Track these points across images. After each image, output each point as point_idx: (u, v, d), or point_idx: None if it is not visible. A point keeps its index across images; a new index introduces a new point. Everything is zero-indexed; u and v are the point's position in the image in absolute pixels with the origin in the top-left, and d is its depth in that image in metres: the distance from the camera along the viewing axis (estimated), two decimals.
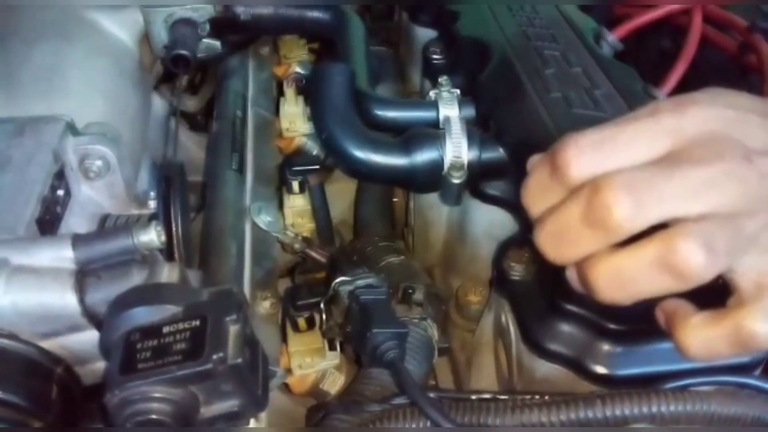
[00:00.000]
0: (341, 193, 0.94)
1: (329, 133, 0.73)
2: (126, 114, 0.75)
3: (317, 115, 0.77)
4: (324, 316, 0.68)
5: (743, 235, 0.41)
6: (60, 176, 0.58)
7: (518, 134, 0.70)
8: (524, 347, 0.60)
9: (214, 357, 0.40)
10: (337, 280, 0.65)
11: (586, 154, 0.43)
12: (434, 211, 0.81)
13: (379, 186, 0.93)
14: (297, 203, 0.86)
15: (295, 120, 0.89)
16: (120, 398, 0.39)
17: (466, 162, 0.69)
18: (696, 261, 0.40)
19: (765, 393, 0.52)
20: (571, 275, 0.46)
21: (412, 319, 0.66)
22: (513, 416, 0.52)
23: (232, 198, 0.78)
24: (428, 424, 0.52)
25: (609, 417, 0.49)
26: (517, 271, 0.63)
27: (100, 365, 0.49)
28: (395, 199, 0.95)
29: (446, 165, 0.69)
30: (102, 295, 0.47)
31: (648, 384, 0.52)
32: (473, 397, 0.55)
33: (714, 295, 0.44)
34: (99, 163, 0.61)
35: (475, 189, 0.72)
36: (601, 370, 0.55)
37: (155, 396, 0.40)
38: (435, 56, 0.88)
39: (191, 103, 1.06)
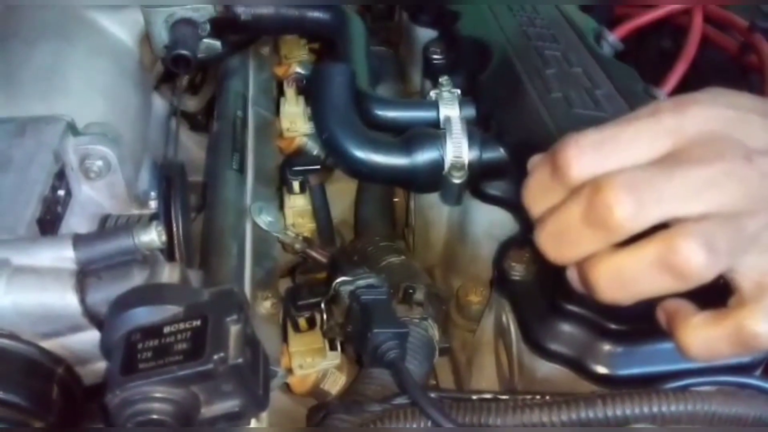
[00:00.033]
0: (342, 193, 0.94)
1: (330, 133, 0.73)
2: (126, 114, 0.75)
3: (318, 115, 0.77)
4: (325, 316, 0.68)
5: (744, 234, 0.41)
6: (61, 176, 0.58)
7: (519, 134, 0.70)
8: (525, 347, 0.60)
9: (215, 357, 0.40)
10: (338, 280, 0.65)
11: (587, 154, 0.43)
12: (435, 211, 0.81)
13: (379, 186, 0.93)
14: (297, 203, 0.86)
15: (295, 120, 0.89)
16: (121, 398, 0.39)
17: (466, 162, 0.69)
18: (697, 261, 0.40)
19: (766, 393, 0.52)
20: (572, 275, 0.46)
21: (412, 319, 0.66)
22: (514, 416, 0.52)
23: (233, 198, 0.78)
24: (429, 424, 0.52)
25: (610, 417, 0.49)
26: (517, 271, 0.63)
27: (101, 365, 0.49)
28: (396, 199, 0.95)
29: (447, 165, 0.69)
30: (103, 295, 0.47)
31: (649, 384, 0.52)
32: (474, 397, 0.55)
33: (715, 295, 0.44)
34: (100, 163, 0.61)
35: (476, 189, 0.72)
36: (601, 370, 0.55)
37: (156, 396, 0.40)
38: (435, 56, 0.88)
39: (192, 103, 1.06)
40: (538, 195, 0.46)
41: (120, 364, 0.41)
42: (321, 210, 0.86)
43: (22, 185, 0.54)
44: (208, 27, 0.85)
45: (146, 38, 0.84)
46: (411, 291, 0.68)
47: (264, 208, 0.77)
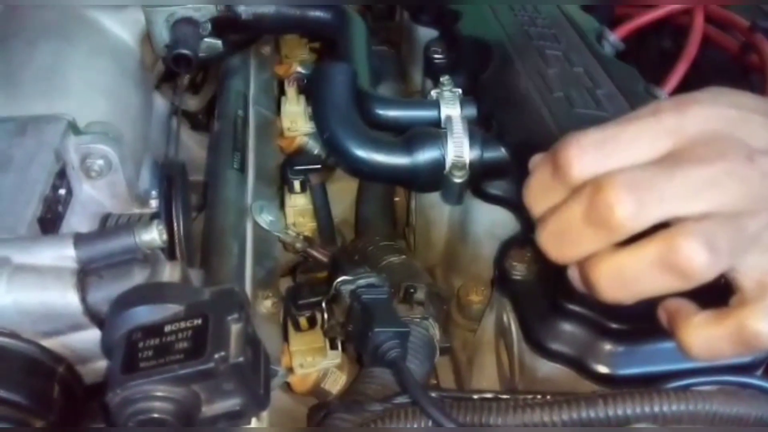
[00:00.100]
0: (343, 193, 0.94)
1: (331, 132, 0.73)
2: (127, 113, 0.75)
3: (319, 115, 0.77)
4: (325, 316, 0.68)
5: (745, 234, 0.41)
6: (61, 175, 0.58)
7: (520, 134, 0.70)
8: (526, 347, 0.60)
9: (216, 356, 0.40)
10: (339, 279, 0.65)
11: (588, 154, 0.43)
12: (436, 210, 0.81)
13: (380, 185, 0.93)
14: (298, 202, 0.86)
15: (296, 119, 0.89)
16: (122, 397, 0.39)
17: (467, 161, 0.69)
18: (698, 260, 0.40)
19: (767, 393, 0.52)
20: (573, 275, 0.46)
21: (413, 318, 0.66)
22: (515, 416, 0.52)
23: (234, 197, 0.78)
24: (430, 423, 0.52)
25: (611, 416, 0.49)
26: (518, 270, 0.63)
27: (102, 364, 0.50)
28: (397, 199, 0.95)
29: (448, 164, 0.69)
30: (104, 294, 0.47)
31: (650, 383, 0.52)
32: (475, 396, 0.55)
33: (716, 294, 0.44)
34: (100, 162, 0.61)
35: (477, 188, 0.72)
36: (602, 369, 0.55)
37: (157, 395, 0.40)
38: (436, 56, 0.88)
39: (193, 103, 1.06)
40: (539, 194, 0.46)
41: (121, 362, 0.41)
42: (322, 209, 0.86)
43: (22, 184, 0.54)
44: (209, 26, 0.85)
45: (147, 38, 0.84)
46: (412, 290, 0.68)
47: (265, 207, 0.77)
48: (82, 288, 0.47)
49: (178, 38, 0.82)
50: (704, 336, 0.44)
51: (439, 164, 0.70)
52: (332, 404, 0.58)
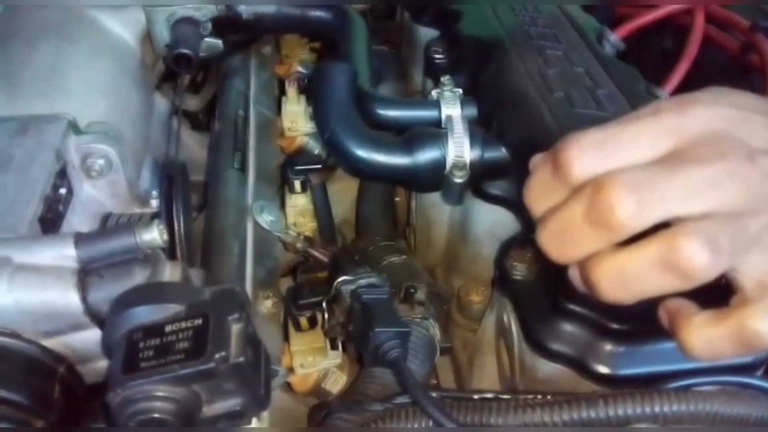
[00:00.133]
0: (343, 193, 0.94)
1: (331, 132, 0.73)
2: (128, 113, 0.75)
3: (319, 115, 0.77)
4: (326, 316, 0.68)
5: (746, 234, 0.41)
6: (62, 175, 0.58)
7: (520, 134, 0.70)
8: (526, 347, 0.60)
9: (217, 356, 0.40)
10: (339, 279, 0.65)
11: (589, 154, 0.43)
12: (436, 210, 0.81)
13: (381, 185, 0.93)
14: (299, 202, 0.86)
15: (297, 119, 0.89)
16: (122, 397, 0.39)
17: (468, 161, 0.69)
18: (699, 260, 0.39)
19: (767, 393, 0.52)
20: (574, 275, 0.46)
21: (414, 318, 0.66)
22: (515, 416, 0.52)
23: (234, 197, 0.78)
24: (430, 423, 0.52)
25: (611, 417, 0.49)
26: (519, 270, 0.63)
27: (103, 364, 0.50)
28: (397, 199, 0.95)
29: (448, 164, 0.69)
30: (104, 293, 0.47)
31: (650, 384, 0.52)
32: (475, 396, 0.55)
33: (717, 294, 0.44)
34: (101, 161, 0.61)
35: (478, 188, 0.72)
36: (603, 369, 0.55)
37: (157, 395, 0.40)
38: (437, 56, 0.88)
39: (193, 102, 1.06)
40: (539, 194, 0.46)
41: (121, 362, 0.41)
42: (322, 209, 0.86)
43: (23, 184, 0.54)
44: (209, 26, 0.85)
45: (148, 37, 0.84)
46: (412, 290, 0.68)
47: (265, 207, 0.77)
48: (83, 288, 0.47)
49: (179, 38, 0.82)
50: (705, 336, 0.44)
51: (440, 164, 0.70)
52: (333, 404, 0.58)
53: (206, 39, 0.85)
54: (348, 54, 0.86)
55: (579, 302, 0.56)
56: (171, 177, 0.67)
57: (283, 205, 0.85)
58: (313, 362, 0.71)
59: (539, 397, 0.53)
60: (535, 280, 0.62)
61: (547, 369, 0.59)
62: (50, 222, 0.55)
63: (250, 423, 0.46)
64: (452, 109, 0.75)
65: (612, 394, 0.50)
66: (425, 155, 0.70)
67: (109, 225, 0.59)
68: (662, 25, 1.07)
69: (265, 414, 0.58)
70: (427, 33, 0.96)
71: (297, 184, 0.85)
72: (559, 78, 0.74)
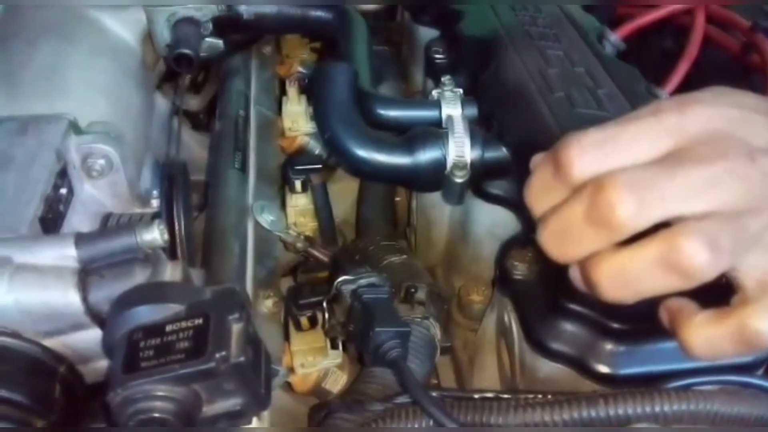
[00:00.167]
0: (344, 193, 0.94)
1: (332, 132, 0.73)
2: (129, 113, 0.75)
3: (320, 114, 0.77)
4: (326, 315, 0.68)
5: (747, 233, 0.41)
6: (63, 175, 0.58)
7: (521, 134, 0.70)
8: (527, 346, 0.60)
9: (217, 356, 0.40)
10: (340, 279, 0.65)
11: (589, 153, 0.43)
12: (437, 210, 0.81)
13: (381, 185, 0.93)
14: (299, 202, 0.86)
15: (297, 119, 0.89)
16: (123, 397, 0.39)
17: (468, 161, 0.69)
18: (699, 259, 0.40)
19: None
20: (575, 274, 0.46)
21: (414, 318, 0.66)
22: (516, 415, 0.52)
23: (235, 197, 0.78)
24: (431, 423, 0.52)
25: (612, 416, 0.49)
26: (519, 270, 0.63)
27: (103, 364, 0.50)
28: (397, 199, 0.95)
29: (449, 164, 0.69)
30: (105, 293, 0.47)
31: (651, 383, 0.52)
32: (476, 396, 0.55)
33: (717, 294, 0.44)
34: (102, 161, 0.61)
35: (478, 188, 0.72)
36: (603, 369, 0.55)
37: (158, 394, 0.40)
38: (437, 56, 0.88)
39: (194, 102, 1.06)
40: (540, 194, 0.46)
41: (122, 362, 0.41)
42: (323, 209, 0.86)
43: (24, 184, 0.54)
44: (210, 26, 0.85)
45: (148, 37, 0.84)
46: (413, 290, 0.68)
47: (266, 207, 0.77)
48: (84, 287, 0.47)
49: (180, 38, 0.82)
50: (706, 335, 0.44)
51: (440, 164, 0.70)
52: (333, 404, 0.58)
53: (207, 39, 0.85)
54: (348, 54, 0.86)
55: (579, 302, 0.56)
56: (172, 177, 0.67)
57: (283, 205, 0.85)
58: (313, 362, 0.71)
59: (540, 396, 0.53)
60: (536, 279, 0.62)
61: (547, 368, 0.59)
62: (51, 222, 0.55)
63: (250, 423, 0.46)
64: (453, 109, 0.75)
65: (612, 394, 0.50)
66: (426, 155, 0.70)
67: (109, 225, 0.59)
68: (663, 25, 1.07)
69: (265, 414, 0.58)
70: (427, 33, 0.96)
71: (297, 184, 0.85)
72: (560, 78, 0.74)
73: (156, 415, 0.39)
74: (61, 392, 0.47)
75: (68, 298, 0.47)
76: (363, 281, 0.64)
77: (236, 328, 0.42)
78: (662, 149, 0.42)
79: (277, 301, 0.69)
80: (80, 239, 0.49)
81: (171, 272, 0.49)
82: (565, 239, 0.44)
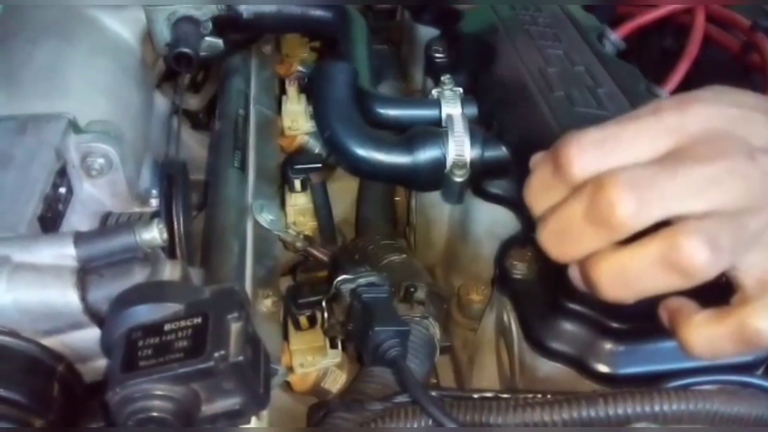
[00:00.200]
0: (343, 192, 0.94)
1: (331, 131, 0.73)
2: (128, 112, 0.74)
3: (319, 114, 0.77)
4: (326, 315, 0.68)
5: (747, 232, 0.41)
6: (62, 174, 0.58)
7: (521, 133, 0.70)
8: (526, 346, 0.60)
9: (216, 355, 0.40)
10: (339, 278, 0.65)
11: (589, 152, 0.43)
12: (436, 209, 0.81)
13: (381, 184, 0.93)
14: (299, 201, 0.86)
15: (297, 118, 0.89)
16: (121, 396, 0.39)
17: (468, 160, 0.69)
18: (699, 258, 0.39)
19: (767, 392, 0.52)
20: (574, 273, 0.46)
21: (413, 317, 0.66)
22: (515, 415, 0.52)
23: (234, 196, 0.78)
24: (430, 422, 0.52)
25: (611, 416, 0.49)
26: (519, 269, 0.63)
27: (102, 363, 0.49)
28: (397, 198, 0.95)
29: (449, 163, 0.69)
30: (104, 292, 0.47)
31: (650, 383, 0.52)
32: (475, 395, 0.55)
33: (717, 293, 0.44)
34: (101, 161, 0.61)
35: (478, 187, 0.72)
36: (603, 368, 0.55)
37: (157, 394, 0.40)
38: (437, 55, 0.88)
39: (193, 102, 1.06)
40: (539, 193, 0.46)
41: (121, 361, 0.41)
42: (322, 208, 0.86)
43: (23, 183, 0.54)
44: (210, 25, 0.85)
45: (148, 36, 0.84)
46: (412, 289, 0.68)
47: (265, 206, 0.77)
48: (82, 286, 0.47)
49: (179, 37, 0.82)
50: (705, 335, 0.44)
51: (440, 163, 0.70)
52: (332, 403, 0.58)
53: (207, 38, 0.85)
54: (348, 53, 0.86)
55: (579, 301, 0.56)
56: (171, 176, 0.67)
57: (283, 204, 0.85)
58: (312, 361, 0.70)
59: (539, 396, 0.53)
60: (535, 279, 0.62)
61: (547, 368, 0.59)
62: (50, 221, 0.55)
63: (249, 422, 0.46)
64: (452, 108, 0.75)
65: (612, 393, 0.50)
66: (425, 154, 0.70)
67: (108, 224, 0.59)
68: (663, 24, 1.07)
69: (264, 413, 0.58)
70: (427, 32, 0.96)
71: (297, 183, 0.85)
72: (560, 77, 0.74)
73: (155, 414, 0.39)
74: (60, 391, 0.47)
75: (67, 297, 0.47)
76: (362, 280, 0.64)
77: (235, 327, 0.42)
78: (662, 148, 0.42)
79: (276, 301, 0.69)
80: (79, 238, 0.49)
81: (170, 271, 0.49)
82: (564, 238, 0.44)
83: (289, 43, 1.05)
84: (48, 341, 0.48)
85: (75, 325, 0.48)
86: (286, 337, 0.71)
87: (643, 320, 0.52)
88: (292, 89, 0.90)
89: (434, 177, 0.70)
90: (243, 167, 0.82)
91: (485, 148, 0.70)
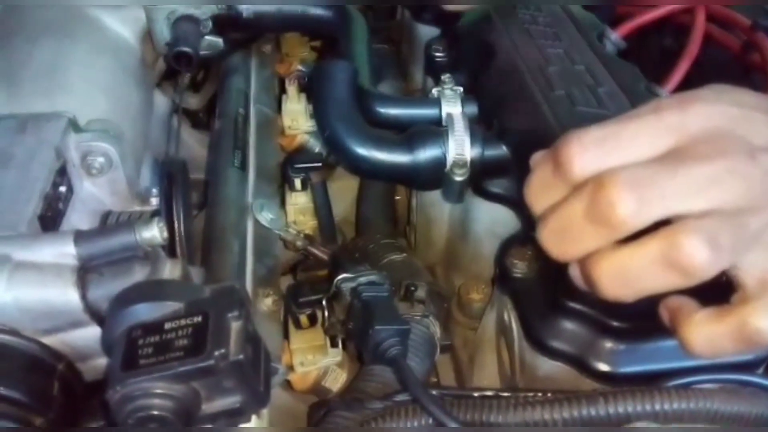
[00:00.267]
0: (343, 191, 0.94)
1: (332, 130, 0.73)
2: (128, 111, 0.75)
3: (320, 113, 0.77)
4: (326, 313, 0.68)
5: (747, 231, 0.41)
6: (62, 173, 0.58)
7: (521, 132, 0.70)
8: (527, 345, 0.60)
9: (216, 353, 0.40)
10: (340, 277, 0.65)
11: (589, 151, 0.43)
12: (436, 208, 0.81)
13: (381, 183, 0.93)
14: (299, 201, 0.86)
15: (297, 117, 0.89)
16: (122, 394, 0.39)
17: (468, 159, 0.69)
18: (700, 257, 0.39)
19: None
20: (574, 272, 0.46)
21: (414, 316, 0.66)
22: (515, 414, 0.52)
23: (235, 195, 0.78)
24: (430, 421, 0.52)
25: (612, 414, 0.49)
26: (519, 268, 0.63)
27: (102, 361, 0.49)
28: (397, 197, 0.95)
29: (449, 162, 0.69)
30: (104, 291, 0.47)
31: (651, 381, 0.52)
32: (475, 394, 0.55)
33: (718, 292, 0.44)
34: (101, 159, 0.61)
35: (478, 186, 0.72)
36: (603, 367, 0.55)
37: (157, 392, 0.40)
38: (437, 54, 0.88)
39: (193, 101, 1.06)
40: (540, 192, 0.46)
41: (121, 360, 0.41)
42: (322, 207, 0.86)
43: (23, 182, 0.54)
44: (210, 24, 0.85)
45: (148, 35, 0.84)
46: (412, 288, 0.68)
47: (265, 205, 0.77)
48: (83, 285, 0.47)
49: (179, 36, 0.82)
50: (706, 333, 0.44)
51: (440, 162, 0.70)
52: (332, 402, 0.58)
53: (207, 37, 0.85)
54: (348, 52, 0.86)
55: (579, 300, 0.56)
56: (171, 175, 0.67)
57: (283, 204, 0.85)
58: (312, 360, 0.70)
59: (539, 394, 0.53)
60: (536, 278, 0.62)
61: (547, 367, 0.58)
62: (50, 220, 0.55)
63: (249, 421, 0.46)
64: (453, 107, 0.75)
65: (612, 392, 0.50)
66: (426, 153, 0.70)
67: (109, 223, 0.59)
68: (663, 23, 1.07)
69: (264, 412, 0.58)
70: (427, 31, 0.96)
71: (297, 182, 0.85)
72: (560, 76, 0.74)
73: (155, 412, 0.39)
74: (60, 390, 0.47)
75: (67, 295, 0.47)
76: (363, 279, 0.64)
77: (235, 326, 0.42)
78: (663, 147, 0.42)
79: (276, 300, 0.69)
80: (79, 237, 0.49)
81: (170, 270, 0.49)
82: (565, 237, 0.44)
83: (289, 42, 1.05)
84: (48, 340, 0.48)
85: (75, 323, 0.48)
86: (286, 335, 0.71)
87: (643, 319, 0.52)
88: (292, 88, 0.90)
89: (434, 176, 0.70)
90: (243, 166, 0.82)
91: (485, 147, 0.70)
